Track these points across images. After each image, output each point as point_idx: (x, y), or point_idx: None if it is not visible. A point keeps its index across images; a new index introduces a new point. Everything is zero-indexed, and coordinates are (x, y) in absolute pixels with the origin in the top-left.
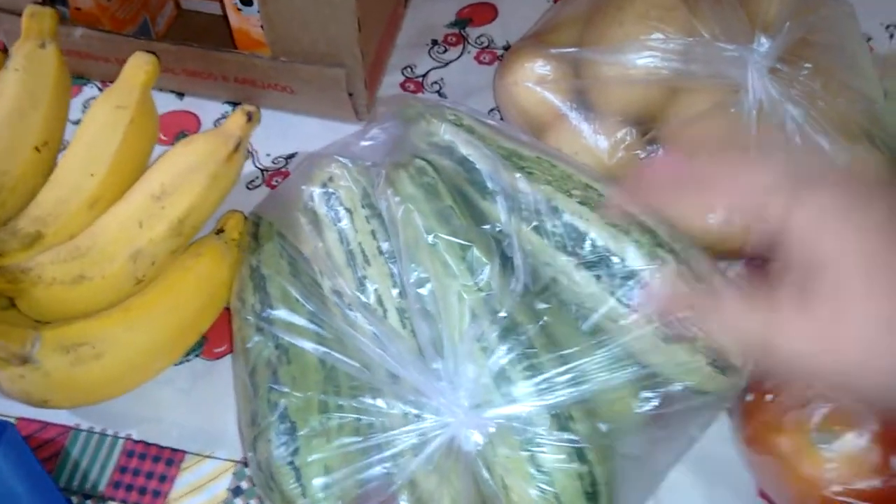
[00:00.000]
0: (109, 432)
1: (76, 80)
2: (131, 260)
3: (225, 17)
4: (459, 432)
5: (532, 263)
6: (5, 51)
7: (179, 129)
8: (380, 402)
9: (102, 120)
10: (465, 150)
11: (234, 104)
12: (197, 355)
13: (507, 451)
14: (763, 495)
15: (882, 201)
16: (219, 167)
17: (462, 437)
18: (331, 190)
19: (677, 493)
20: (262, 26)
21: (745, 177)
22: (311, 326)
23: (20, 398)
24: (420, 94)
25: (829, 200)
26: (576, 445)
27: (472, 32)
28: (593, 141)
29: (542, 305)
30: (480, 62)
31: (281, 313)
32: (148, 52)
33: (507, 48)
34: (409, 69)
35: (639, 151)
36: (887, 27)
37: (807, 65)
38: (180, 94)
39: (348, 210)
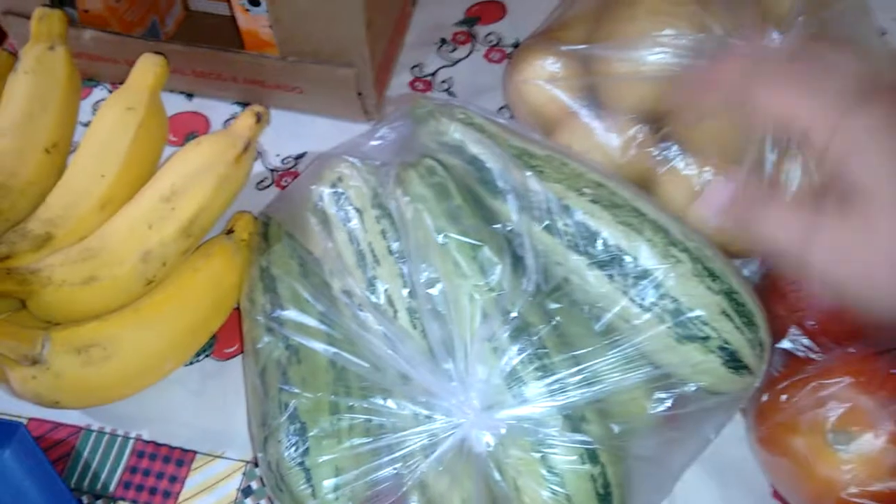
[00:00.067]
0: (120, 432)
1: (86, 81)
2: (141, 261)
3: (233, 17)
4: (470, 433)
5: (544, 263)
6: (15, 54)
7: (189, 130)
8: (390, 403)
9: (112, 122)
10: (475, 148)
11: (244, 105)
12: (207, 356)
13: (519, 453)
14: (777, 496)
15: None
16: (228, 168)
17: (473, 439)
18: (340, 190)
19: (690, 493)
20: (270, 27)
21: (795, 97)
22: (322, 327)
23: (31, 399)
24: (429, 94)
25: (873, 120)
26: (588, 447)
27: (481, 31)
28: (605, 138)
29: (553, 305)
30: (490, 60)
31: (291, 314)
32: (157, 53)
33: (516, 46)
34: (417, 68)
35: (651, 149)
36: None
37: None
38: (189, 95)
39: (358, 210)
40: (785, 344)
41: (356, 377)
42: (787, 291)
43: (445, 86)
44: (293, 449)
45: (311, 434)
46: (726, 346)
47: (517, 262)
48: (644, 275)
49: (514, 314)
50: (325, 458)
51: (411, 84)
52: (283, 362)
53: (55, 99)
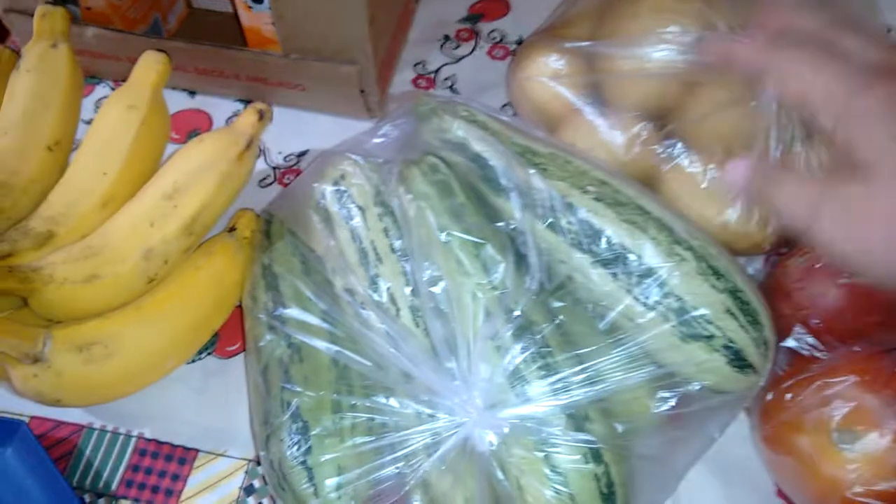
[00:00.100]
0: (122, 431)
1: (88, 79)
2: (143, 259)
3: (236, 14)
4: (473, 432)
5: (547, 261)
6: (17, 52)
7: (191, 127)
8: (393, 402)
9: (114, 119)
10: (478, 146)
11: (246, 102)
12: (209, 353)
13: (522, 452)
14: (781, 495)
15: None
16: (230, 166)
17: (476, 438)
18: (343, 188)
19: (694, 492)
20: (272, 24)
21: (806, 80)
22: (324, 325)
23: (33, 397)
24: (432, 91)
25: (878, 100)
26: (592, 446)
27: (485, 27)
28: (609, 136)
29: (557, 304)
30: (493, 57)
31: (293, 312)
32: (159, 50)
33: (519, 43)
34: (420, 65)
35: (655, 146)
36: None
37: None
38: (192, 93)
39: (360, 208)
40: (789, 342)
41: (358, 376)
42: (792, 290)
43: (448, 83)
44: (295, 448)
45: (313, 433)
46: (731, 344)
47: (520, 261)
48: (648, 273)
49: (517, 313)
50: (327, 456)
51: (414, 81)
52: (285, 360)
53: (57, 97)
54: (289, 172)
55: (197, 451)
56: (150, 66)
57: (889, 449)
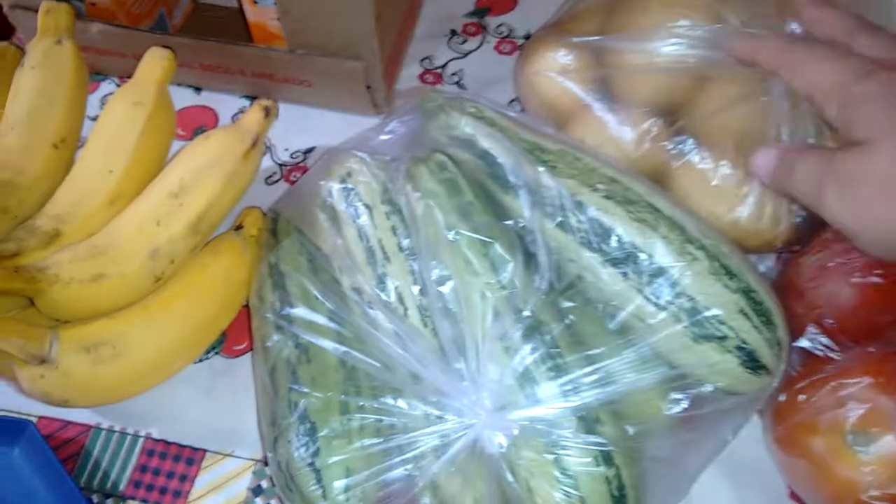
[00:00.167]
0: (130, 431)
1: (93, 76)
2: (150, 258)
3: (241, 10)
4: (482, 434)
5: (556, 260)
6: (22, 48)
7: (197, 124)
8: (401, 403)
9: (120, 117)
10: (486, 143)
11: (252, 98)
12: (217, 353)
13: (532, 454)
14: (795, 497)
15: None
16: (236, 164)
17: (485, 439)
18: (350, 185)
19: (706, 494)
20: (278, 19)
21: (820, 65)
22: (331, 325)
23: (40, 398)
24: (439, 86)
25: (879, 85)
26: (603, 448)
27: (492, 22)
28: (618, 132)
29: (567, 304)
30: (500, 52)
31: (300, 311)
32: (164, 47)
33: (527, 37)
34: (427, 60)
35: (666, 142)
36: None
37: None
38: (198, 89)
39: (367, 206)
40: (803, 342)
41: (366, 376)
42: (805, 288)
43: (455, 78)
44: (303, 449)
45: (321, 434)
46: (744, 345)
47: (529, 260)
48: (659, 272)
49: (526, 313)
50: (335, 458)
51: (421, 76)
52: (292, 361)
53: (62, 94)
54: (295, 169)
55: (204, 451)
56: (155, 62)
57: None
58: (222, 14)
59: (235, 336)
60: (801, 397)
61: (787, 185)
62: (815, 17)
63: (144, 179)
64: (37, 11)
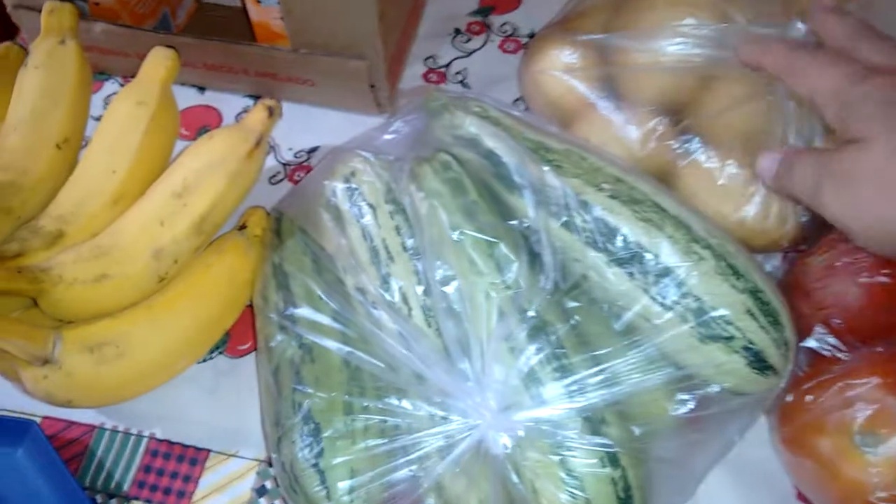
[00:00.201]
0: (133, 431)
1: (97, 75)
2: (154, 258)
3: (245, 9)
4: (487, 435)
5: (561, 260)
6: (26, 48)
7: (201, 123)
8: (405, 404)
9: (123, 117)
10: (490, 142)
11: (256, 98)
12: (220, 353)
13: (537, 455)
14: (802, 498)
15: None
16: (240, 164)
17: (490, 440)
18: (353, 185)
19: (712, 494)
20: (281, 18)
21: (820, 70)
22: (335, 325)
23: (43, 398)
24: (443, 85)
25: (873, 88)
26: (608, 449)
27: (496, 20)
28: (623, 131)
29: (572, 304)
30: (505, 51)
31: (304, 311)
32: (168, 46)
33: (531, 36)
34: (431, 59)
35: (671, 141)
36: None
37: None
38: (202, 89)
39: (371, 206)
40: (810, 343)
41: (370, 377)
42: (812, 288)
43: (459, 77)
44: (307, 450)
45: (325, 435)
46: (751, 346)
47: (534, 260)
48: (665, 272)
49: (531, 313)
50: (339, 459)
51: (425, 76)
52: (296, 361)
53: (66, 93)
54: (299, 169)
55: (208, 451)
56: (158, 62)
57: None
58: (226, 13)
59: (239, 336)
60: (809, 398)
61: (788, 185)
62: (822, 22)
63: (148, 179)
64: (40, 11)
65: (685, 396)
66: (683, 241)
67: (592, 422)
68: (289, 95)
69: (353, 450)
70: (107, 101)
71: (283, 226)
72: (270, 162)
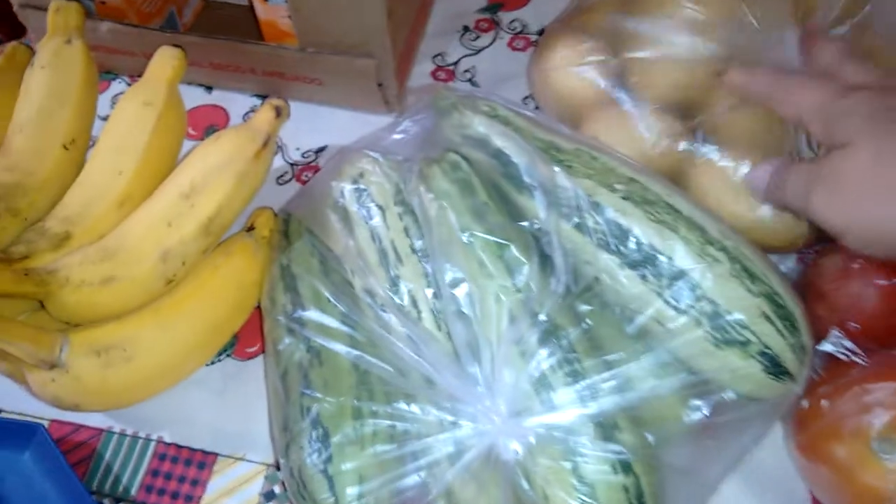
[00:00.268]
0: (141, 434)
1: (104, 75)
2: (161, 260)
3: (252, 8)
4: (497, 441)
5: (573, 262)
6: (32, 48)
7: (208, 123)
8: (414, 408)
9: (130, 117)
10: (500, 142)
11: (263, 97)
12: (228, 355)
13: (548, 461)
14: None
15: None
16: (247, 165)
17: (500, 446)
18: (362, 186)
19: (725, 500)
20: (289, 17)
21: (803, 92)
22: (344, 328)
23: (50, 402)
24: (452, 83)
25: (857, 100)
26: (621, 456)
27: (505, 17)
28: (635, 129)
29: (584, 307)
30: (514, 48)
31: (312, 314)
32: (175, 45)
33: (541, 33)
34: (440, 57)
35: (684, 140)
36: None
37: None
38: (209, 88)
39: (380, 207)
40: (826, 346)
41: (379, 381)
42: (828, 291)
43: (468, 75)
44: (315, 455)
45: (333, 440)
46: (767, 350)
47: (545, 262)
48: (679, 275)
49: (542, 316)
50: (348, 465)
51: (433, 73)
52: (304, 365)
53: (72, 93)
54: (307, 169)
55: (216, 455)
56: (165, 61)
57: None
58: (233, 12)
59: (247, 338)
60: (825, 403)
61: (780, 194)
62: (809, 47)
63: (155, 180)
64: (46, 11)
65: (699, 402)
66: (698, 244)
67: (605, 427)
68: (296, 94)
69: (361, 455)
70: (114, 101)
71: (290, 227)
72: (278, 162)
